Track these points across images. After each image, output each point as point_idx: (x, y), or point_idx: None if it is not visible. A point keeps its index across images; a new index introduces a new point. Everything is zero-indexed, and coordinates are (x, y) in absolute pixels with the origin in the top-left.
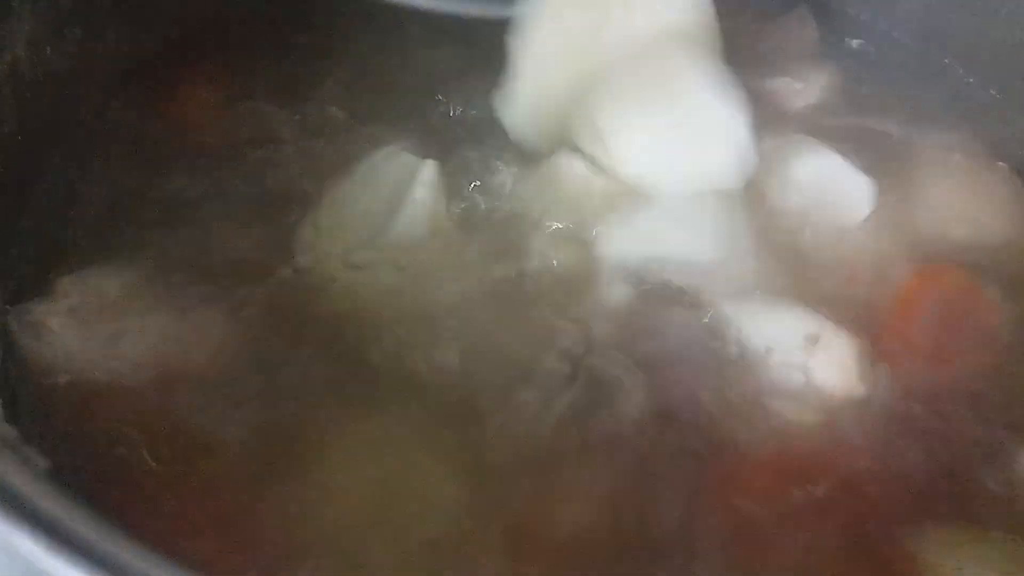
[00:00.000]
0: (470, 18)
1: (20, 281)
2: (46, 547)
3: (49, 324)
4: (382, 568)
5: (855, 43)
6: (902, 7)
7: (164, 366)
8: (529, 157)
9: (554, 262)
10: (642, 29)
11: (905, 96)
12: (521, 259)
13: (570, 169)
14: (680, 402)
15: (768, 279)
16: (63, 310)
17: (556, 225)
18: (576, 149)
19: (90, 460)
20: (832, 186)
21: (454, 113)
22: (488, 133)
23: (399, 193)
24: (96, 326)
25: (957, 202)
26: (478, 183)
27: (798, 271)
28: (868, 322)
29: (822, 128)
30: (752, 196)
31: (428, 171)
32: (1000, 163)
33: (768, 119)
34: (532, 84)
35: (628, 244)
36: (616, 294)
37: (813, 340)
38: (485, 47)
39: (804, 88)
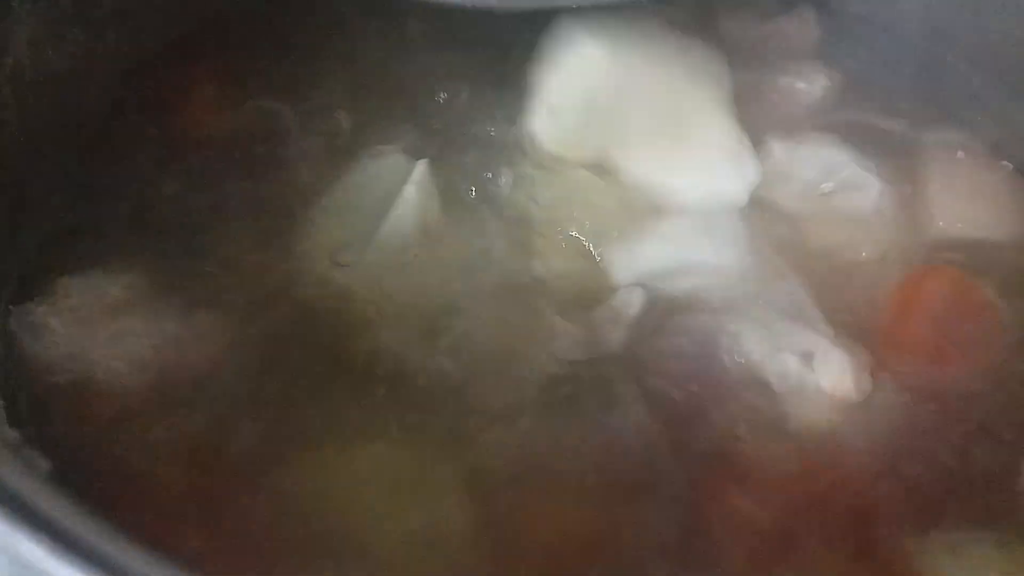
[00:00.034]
0: (472, 18)
1: (21, 282)
2: (47, 549)
3: (50, 324)
4: (380, 569)
5: (857, 41)
6: (904, 5)
7: (165, 367)
8: (535, 162)
9: (560, 268)
10: (662, 74)
11: (907, 94)
12: (523, 263)
13: (586, 179)
14: (682, 409)
15: (772, 282)
16: (64, 310)
17: (566, 232)
18: (592, 160)
19: (91, 461)
20: (837, 184)
21: (455, 114)
22: (491, 134)
23: (390, 194)
24: (97, 326)
25: (959, 201)
26: (475, 187)
27: (799, 271)
28: (869, 322)
29: (824, 127)
30: (757, 199)
31: (419, 172)
32: (1003, 162)
33: (770, 118)
34: (553, 102)
35: (639, 254)
36: (623, 301)
37: (809, 356)
38: (486, 48)
39: (806, 87)
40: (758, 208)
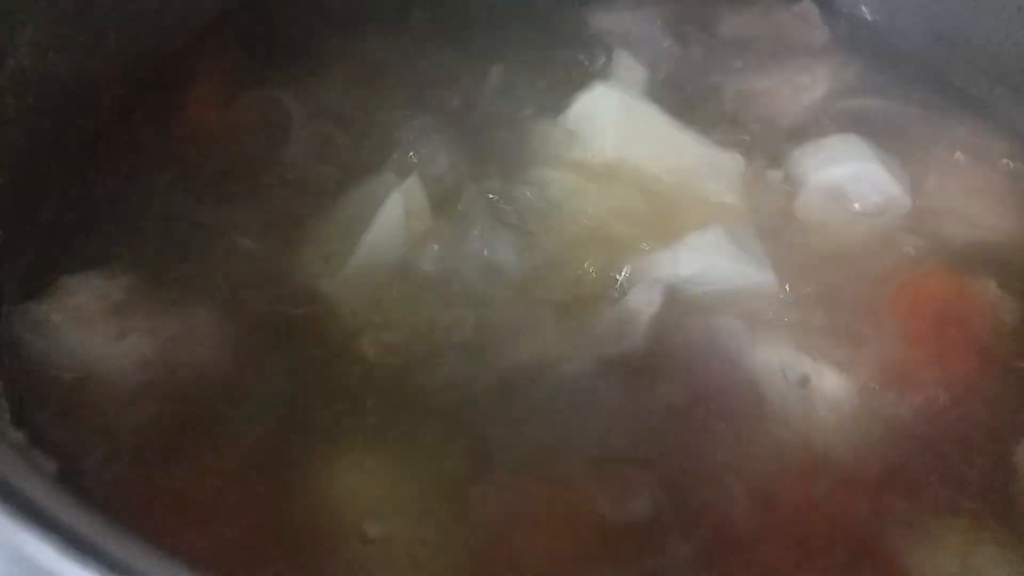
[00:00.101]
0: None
1: (23, 282)
2: (54, 550)
3: (53, 323)
4: (381, 569)
5: (859, 39)
6: (907, 3)
7: (169, 366)
8: (555, 166)
9: (578, 273)
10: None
11: (908, 92)
12: (526, 264)
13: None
14: (683, 414)
15: (776, 286)
16: (67, 308)
17: (582, 237)
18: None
19: (96, 460)
20: (838, 185)
21: (456, 114)
22: (492, 135)
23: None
24: (100, 326)
25: (959, 201)
26: (476, 188)
27: (801, 273)
28: (869, 322)
29: (826, 123)
30: (762, 201)
31: (409, 181)
32: (1003, 162)
33: (772, 117)
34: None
35: (658, 260)
36: (642, 300)
37: (804, 382)
38: (486, 48)
39: (809, 83)
40: (764, 211)
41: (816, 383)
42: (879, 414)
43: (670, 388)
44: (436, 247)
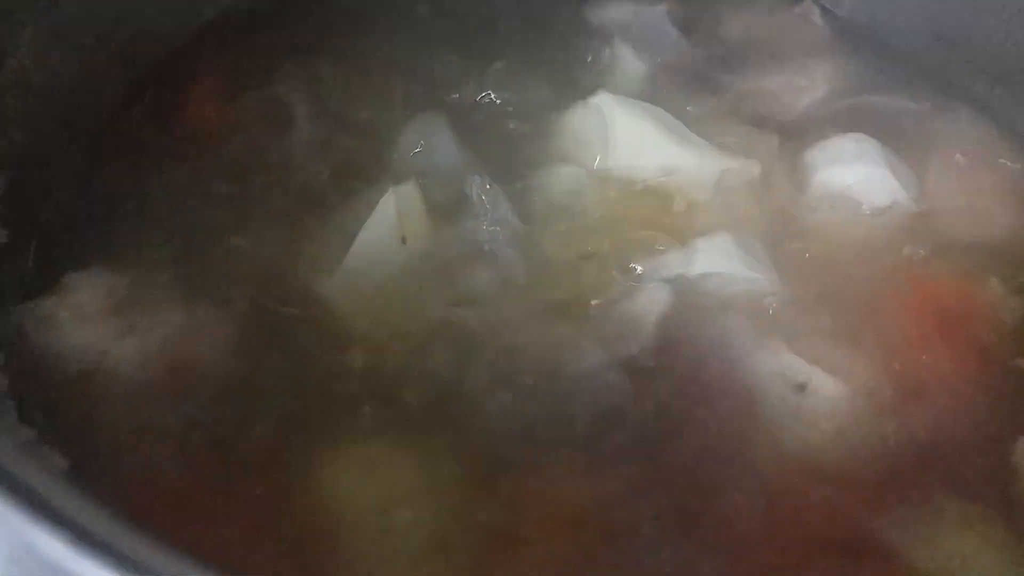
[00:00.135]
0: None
1: (27, 281)
2: (65, 545)
3: (59, 319)
4: (381, 569)
5: (860, 39)
6: (907, 3)
7: (170, 364)
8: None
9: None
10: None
11: (909, 93)
12: (528, 265)
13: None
14: (685, 414)
15: (780, 287)
16: (73, 304)
17: (588, 239)
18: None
19: (102, 456)
20: (839, 184)
21: (457, 113)
22: (493, 134)
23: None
24: (106, 322)
25: (961, 200)
26: (478, 189)
27: (802, 275)
28: (869, 322)
29: (827, 123)
30: (765, 202)
31: (404, 186)
32: (1003, 162)
33: (772, 116)
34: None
35: (666, 263)
36: (650, 299)
37: (802, 387)
38: (487, 47)
39: (810, 83)
40: (767, 211)
41: (817, 384)
42: (879, 414)
43: (673, 388)
44: (436, 247)
